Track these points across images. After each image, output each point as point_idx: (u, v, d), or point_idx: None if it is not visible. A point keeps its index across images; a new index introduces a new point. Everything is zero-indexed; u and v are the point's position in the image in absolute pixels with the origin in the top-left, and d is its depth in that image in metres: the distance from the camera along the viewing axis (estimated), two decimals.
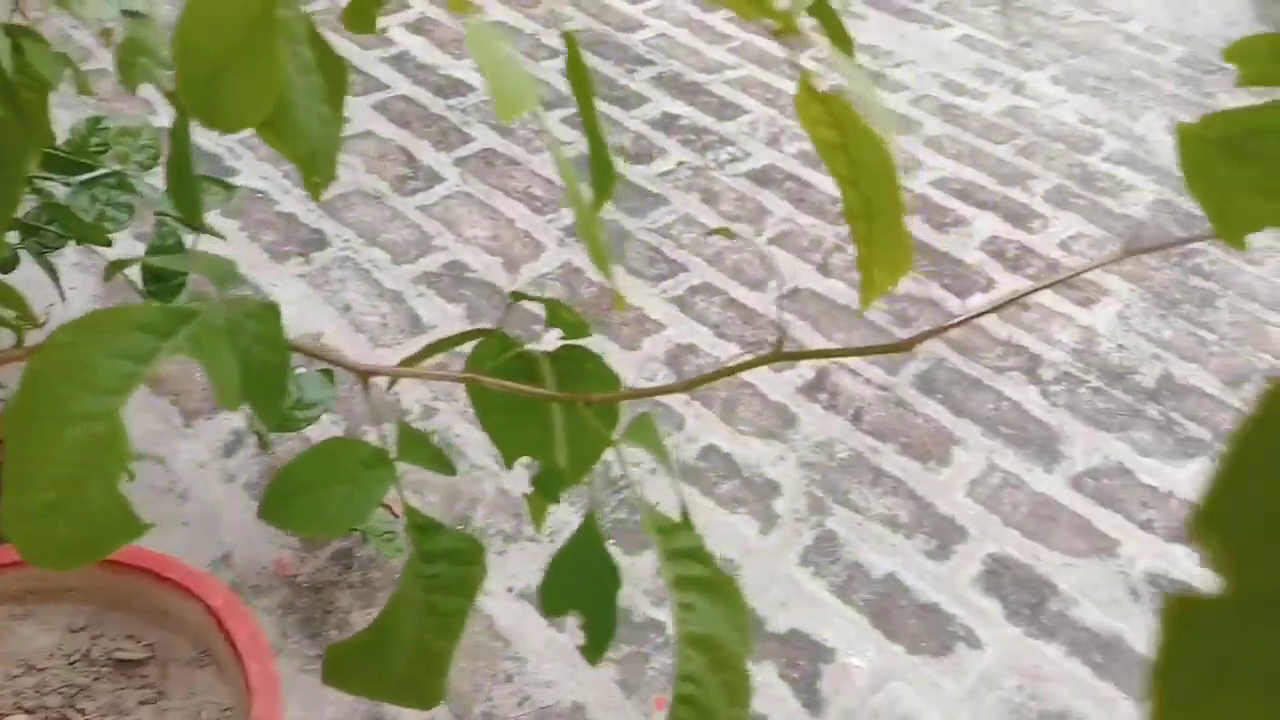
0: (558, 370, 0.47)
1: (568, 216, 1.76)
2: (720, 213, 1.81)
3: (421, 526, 0.43)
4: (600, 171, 0.41)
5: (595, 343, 1.47)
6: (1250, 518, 0.14)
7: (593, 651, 0.41)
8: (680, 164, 1.92)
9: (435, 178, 1.80)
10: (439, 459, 0.45)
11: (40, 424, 0.35)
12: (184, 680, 0.76)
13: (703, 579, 0.36)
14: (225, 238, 1.35)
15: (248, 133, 1.63)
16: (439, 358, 0.51)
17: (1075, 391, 1.54)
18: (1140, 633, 1.22)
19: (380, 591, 1.15)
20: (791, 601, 1.21)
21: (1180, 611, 0.15)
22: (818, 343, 1.57)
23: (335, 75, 0.39)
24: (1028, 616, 1.22)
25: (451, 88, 2.03)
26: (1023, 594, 1.25)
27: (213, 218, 1.57)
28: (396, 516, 1.08)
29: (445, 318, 1.52)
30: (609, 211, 1.78)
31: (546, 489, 0.46)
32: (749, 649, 0.36)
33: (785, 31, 0.37)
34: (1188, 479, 1.42)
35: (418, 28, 2.20)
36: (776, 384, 1.49)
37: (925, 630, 1.19)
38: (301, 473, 0.42)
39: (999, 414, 1.48)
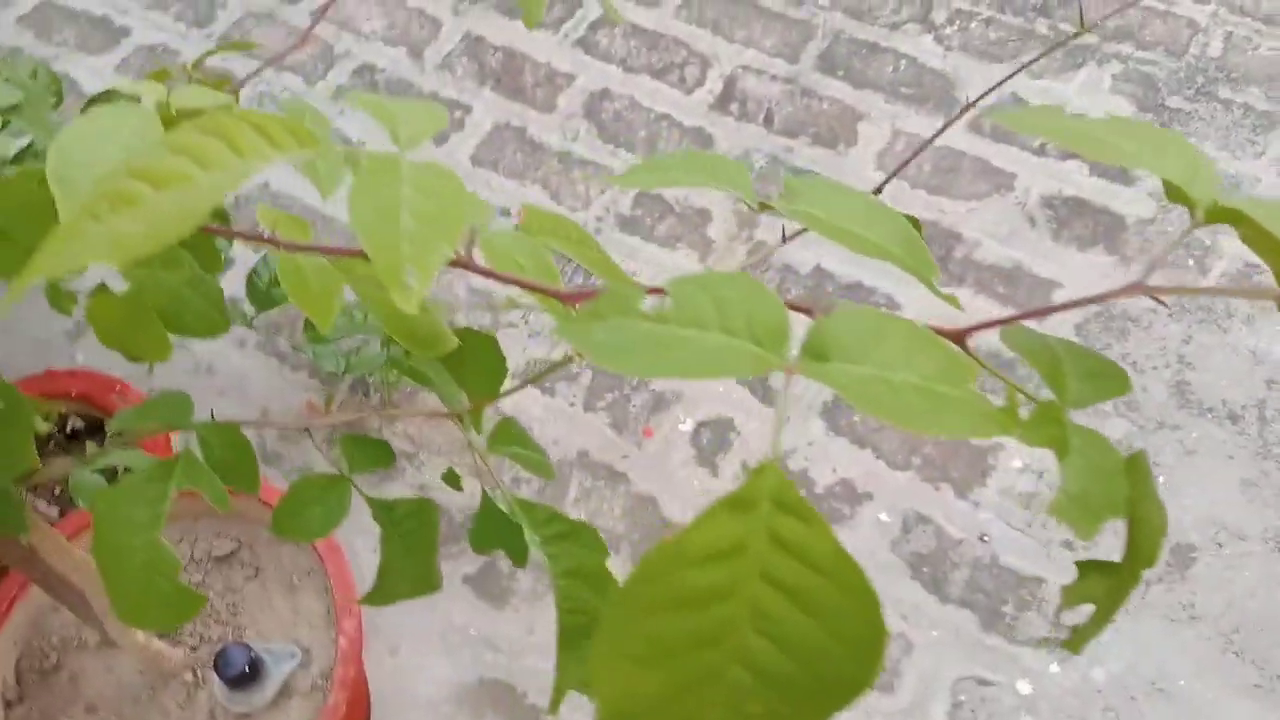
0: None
1: None
2: None
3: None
4: None
5: (515, 112, 1.55)
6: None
7: (520, 559, 0.61)
8: None
9: None
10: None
11: (112, 556, 0.54)
12: (271, 556, 1.00)
13: (564, 531, 0.55)
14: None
15: None
16: None
17: (968, 29, 1.61)
18: (1037, 256, 1.40)
19: (397, 408, 1.37)
20: None
21: None
22: (723, 49, 1.63)
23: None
24: (939, 268, 1.40)
25: None
26: (931, 249, 1.42)
27: None
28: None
29: (366, 132, 1.61)
30: None
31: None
32: (605, 558, 0.55)
33: None
34: (1076, 90, 1.53)
35: None
36: (688, 106, 1.58)
37: None
38: (290, 501, 0.60)
39: (898, 75, 1.57)
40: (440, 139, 1.58)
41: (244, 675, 0.89)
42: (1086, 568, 0.45)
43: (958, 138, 1.51)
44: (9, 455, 0.52)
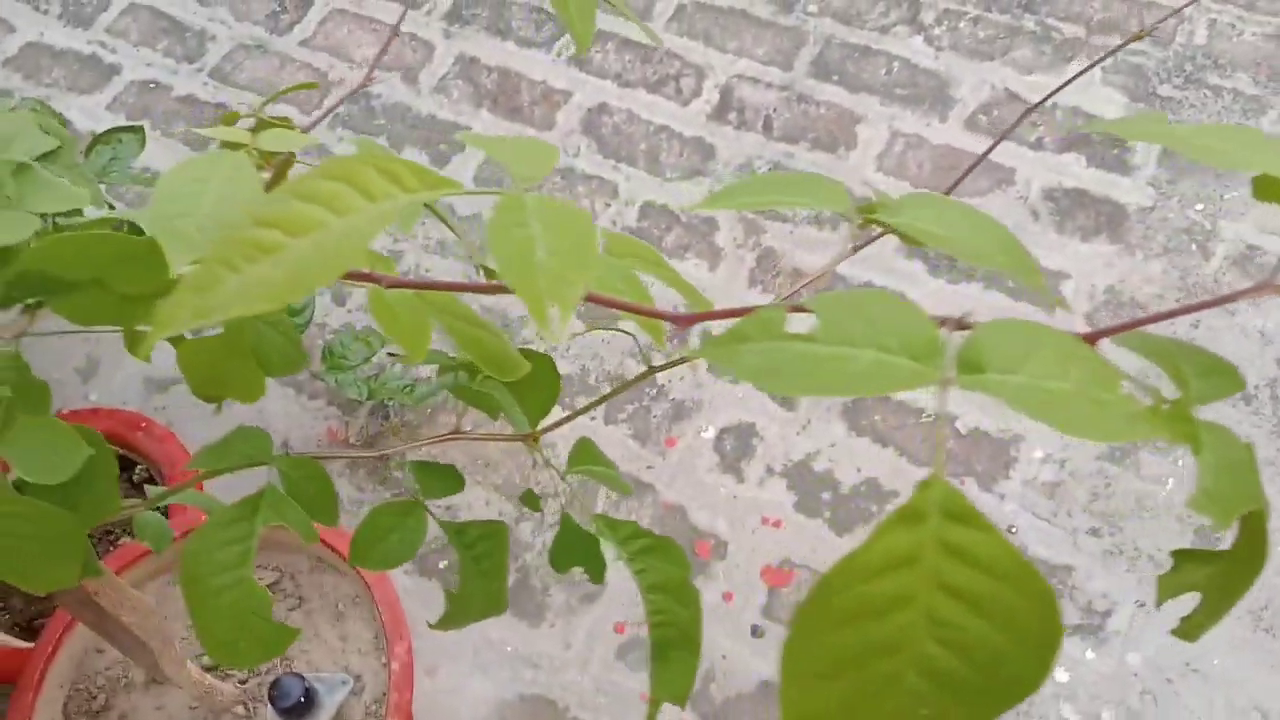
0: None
1: (443, 4, 1.77)
2: None
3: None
4: None
5: (514, 131, 1.55)
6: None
7: (598, 576, 0.61)
8: None
9: (305, 1, 1.80)
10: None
11: (202, 598, 0.54)
12: (314, 585, 1.00)
13: (649, 546, 0.56)
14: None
15: (113, 22, 1.62)
16: None
17: (956, 28, 1.63)
18: (1042, 248, 1.42)
19: (419, 428, 1.37)
20: None
21: None
22: (717, 59, 1.65)
23: None
24: (946, 267, 1.42)
25: None
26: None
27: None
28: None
29: None
30: None
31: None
32: (689, 572, 0.56)
33: None
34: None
35: None
36: (687, 118, 1.60)
37: None
38: (368, 531, 0.61)
39: (892, 77, 1.59)
40: (443, 161, 1.59)
41: (299, 705, 0.89)
42: (1183, 557, 0.46)
43: (956, 136, 1.53)
44: (98, 501, 0.53)
